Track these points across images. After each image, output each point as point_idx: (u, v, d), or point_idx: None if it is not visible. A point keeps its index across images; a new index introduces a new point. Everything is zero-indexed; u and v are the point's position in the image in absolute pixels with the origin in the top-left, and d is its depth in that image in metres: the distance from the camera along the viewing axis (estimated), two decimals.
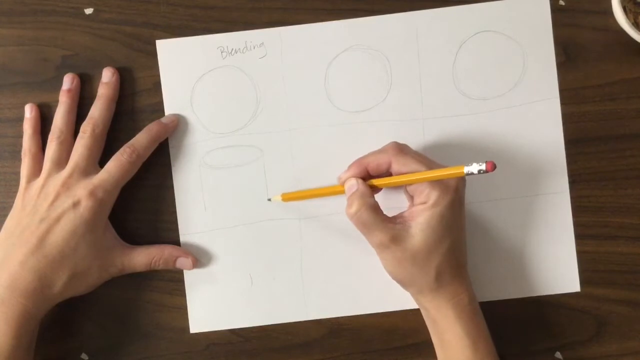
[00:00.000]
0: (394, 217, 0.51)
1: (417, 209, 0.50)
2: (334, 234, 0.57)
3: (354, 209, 0.50)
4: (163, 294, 0.57)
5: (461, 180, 0.51)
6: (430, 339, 0.55)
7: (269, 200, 0.56)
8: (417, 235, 0.50)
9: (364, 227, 0.51)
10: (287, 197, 0.55)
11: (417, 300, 0.54)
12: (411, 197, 0.53)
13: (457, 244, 0.51)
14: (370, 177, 0.52)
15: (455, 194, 0.50)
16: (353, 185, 0.52)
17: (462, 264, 0.52)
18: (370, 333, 0.57)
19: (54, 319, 0.56)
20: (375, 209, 0.51)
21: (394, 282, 0.54)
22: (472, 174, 0.46)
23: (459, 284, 0.51)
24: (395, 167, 0.51)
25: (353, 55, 0.56)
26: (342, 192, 0.53)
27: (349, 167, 0.53)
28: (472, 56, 0.56)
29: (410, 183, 0.50)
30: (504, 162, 0.56)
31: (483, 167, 0.45)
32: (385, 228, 0.50)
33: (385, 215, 0.51)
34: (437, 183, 0.50)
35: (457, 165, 0.47)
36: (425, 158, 0.51)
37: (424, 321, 0.56)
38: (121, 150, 0.54)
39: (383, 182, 0.51)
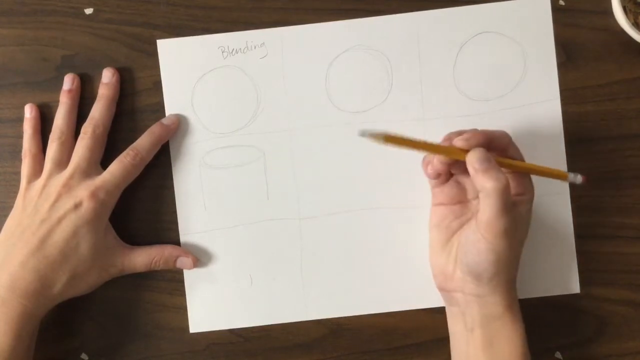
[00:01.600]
0: None
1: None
2: (334, 234, 0.57)
3: (500, 184, 0.47)
4: (163, 294, 0.57)
5: None
6: (430, 339, 0.55)
7: (363, 134, 0.46)
8: (523, 218, 0.50)
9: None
10: (390, 139, 0.47)
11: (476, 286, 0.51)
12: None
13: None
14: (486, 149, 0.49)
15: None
16: (489, 159, 0.47)
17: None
18: (370, 333, 0.57)
19: (54, 319, 0.56)
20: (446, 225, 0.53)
21: (394, 282, 0.54)
22: (572, 182, 0.50)
23: (512, 286, 0.51)
24: (511, 152, 0.51)
25: (354, 55, 0.56)
26: (457, 155, 0.49)
27: (469, 132, 0.49)
28: (473, 57, 0.56)
29: (528, 172, 0.51)
30: None
31: (579, 179, 0.49)
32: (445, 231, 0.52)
33: None
34: (524, 186, 0.51)
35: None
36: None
37: (424, 321, 0.56)
38: (124, 152, 0.54)
39: (510, 163, 0.50)
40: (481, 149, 0.48)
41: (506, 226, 0.47)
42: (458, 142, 0.49)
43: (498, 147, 0.50)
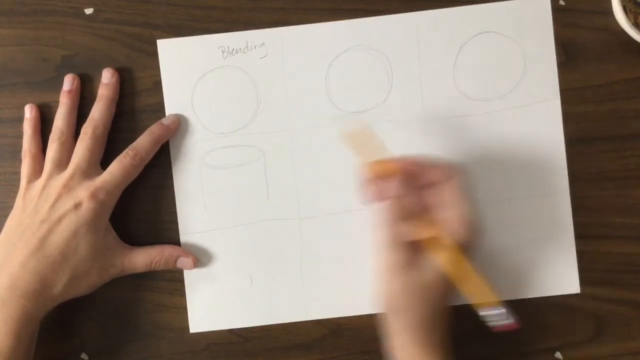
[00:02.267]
0: (417, 244, 0.49)
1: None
2: (334, 234, 0.57)
3: (384, 228, 0.49)
4: (163, 294, 0.57)
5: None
6: None
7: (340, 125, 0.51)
8: (436, 267, 0.49)
9: (388, 242, 0.50)
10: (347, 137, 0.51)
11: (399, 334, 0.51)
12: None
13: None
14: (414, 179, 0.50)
15: (478, 239, 0.49)
16: (389, 190, 0.49)
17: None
18: (370, 333, 0.57)
19: (54, 319, 0.56)
20: (400, 234, 0.49)
21: None
22: (492, 317, 0.45)
23: (448, 330, 0.50)
24: (447, 188, 0.48)
25: (354, 55, 0.56)
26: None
27: (410, 157, 0.49)
28: (473, 57, 0.56)
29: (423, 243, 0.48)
30: (504, 162, 0.56)
31: (510, 321, 0.44)
32: (406, 251, 0.49)
33: (409, 240, 0.50)
34: (469, 224, 0.48)
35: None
36: (470, 201, 0.48)
37: None
38: (124, 152, 0.54)
39: (416, 220, 0.49)
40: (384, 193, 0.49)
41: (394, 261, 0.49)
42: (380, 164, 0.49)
43: (424, 180, 0.49)
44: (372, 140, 0.50)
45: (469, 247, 0.49)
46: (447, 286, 0.49)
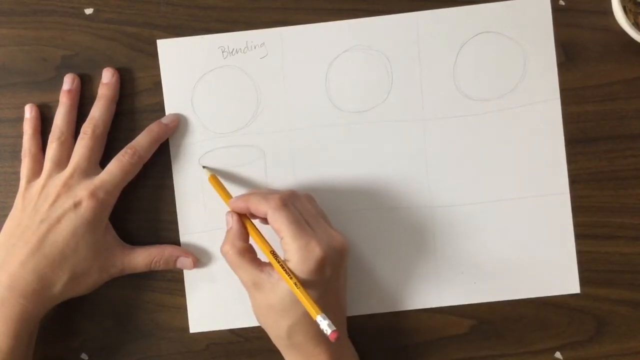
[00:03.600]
0: (265, 264, 0.51)
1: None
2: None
3: (225, 247, 0.52)
4: (163, 294, 0.57)
5: (331, 258, 0.50)
6: (430, 339, 0.55)
7: (203, 167, 0.56)
8: (276, 289, 0.49)
9: (231, 266, 0.52)
10: (214, 183, 0.55)
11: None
12: None
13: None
14: (252, 214, 0.52)
15: (318, 266, 0.49)
16: (229, 221, 0.52)
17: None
18: (371, 333, 0.57)
19: (54, 319, 0.56)
20: (243, 251, 0.51)
21: (394, 283, 0.54)
22: (318, 324, 0.47)
23: (315, 346, 0.50)
24: (269, 221, 0.50)
25: (354, 55, 0.56)
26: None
27: (242, 196, 0.52)
28: (473, 57, 0.56)
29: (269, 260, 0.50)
30: (504, 162, 0.56)
31: (328, 331, 0.46)
32: (249, 272, 0.50)
33: (255, 259, 0.51)
34: (298, 249, 0.49)
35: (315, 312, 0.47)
36: (297, 227, 0.49)
37: (424, 321, 0.56)
38: (122, 151, 0.54)
39: (252, 235, 0.52)
40: (228, 215, 0.52)
41: (244, 282, 0.52)
42: (230, 204, 0.53)
43: (258, 214, 0.51)
44: (220, 184, 0.55)
45: (307, 270, 0.49)
46: (296, 304, 0.49)
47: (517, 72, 0.56)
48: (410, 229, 0.56)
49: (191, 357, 0.57)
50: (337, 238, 0.51)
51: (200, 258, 0.57)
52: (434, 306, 0.57)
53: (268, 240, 0.51)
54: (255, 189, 0.56)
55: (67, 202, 0.52)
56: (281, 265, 0.49)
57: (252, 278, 0.50)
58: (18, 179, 0.55)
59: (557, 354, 0.57)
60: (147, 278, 0.57)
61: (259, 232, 0.52)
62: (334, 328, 0.46)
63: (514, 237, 0.56)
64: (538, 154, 0.56)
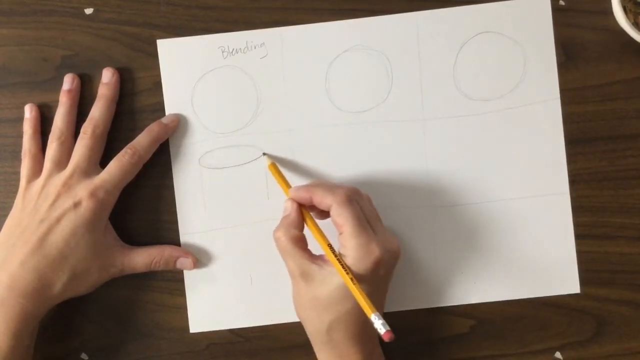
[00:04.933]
0: (316, 256, 0.51)
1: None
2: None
3: (278, 233, 0.51)
4: (163, 294, 0.57)
5: (387, 260, 0.50)
6: (430, 339, 0.55)
7: (264, 154, 0.56)
8: (326, 282, 0.49)
9: (282, 253, 0.51)
10: (274, 171, 0.55)
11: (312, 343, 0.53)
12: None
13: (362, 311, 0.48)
14: (313, 206, 0.52)
15: (374, 266, 0.49)
16: (287, 208, 0.52)
17: (366, 331, 0.51)
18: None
19: (54, 319, 0.56)
20: (297, 240, 0.51)
21: (393, 283, 0.54)
22: (373, 324, 0.46)
23: (351, 345, 0.50)
24: (332, 215, 0.50)
25: (354, 55, 0.56)
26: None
27: (306, 186, 0.52)
28: (473, 57, 0.56)
29: (327, 255, 0.50)
30: (505, 162, 0.56)
31: (383, 330, 0.46)
32: (299, 262, 0.50)
33: (307, 249, 0.51)
34: (358, 247, 0.49)
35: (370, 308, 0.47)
36: (360, 224, 0.49)
37: (424, 321, 0.56)
38: (122, 151, 0.54)
39: (310, 226, 0.51)
40: (287, 202, 0.52)
41: (292, 271, 0.51)
42: (289, 192, 0.52)
43: (321, 206, 0.51)
44: (279, 172, 0.55)
45: (363, 268, 0.49)
46: (343, 300, 0.49)
47: (517, 72, 0.56)
48: (410, 229, 0.56)
49: (191, 357, 0.57)
50: (393, 241, 0.51)
51: (200, 258, 0.57)
52: (434, 306, 0.57)
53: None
54: (318, 180, 0.56)
55: (67, 202, 0.52)
56: (338, 259, 0.49)
57: (302, 268, 0.50)
58: (18, 179, 0.55)
59: (557, 354, 0.57)
60: (147, 278, 0.57)
61: (317, 224, 0.51)
62: (388, 328, 0.46)
63: (514, 237, 0.56)
64: (538, 154, 0.56)
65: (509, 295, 0.56)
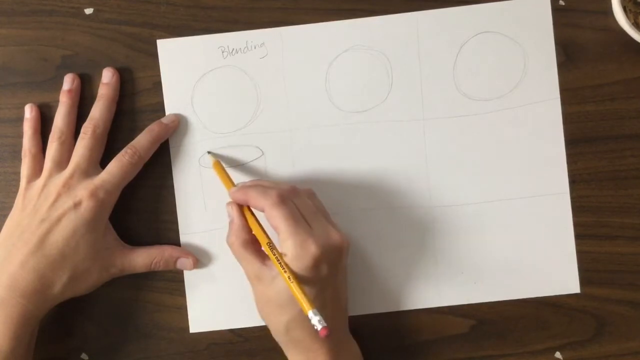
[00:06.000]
0: (268, 257, 0.50)
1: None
2: None
3: (230, 239, 0.52)
4: (163, 294, 0.57)
5: (327, 256, 0.49)
6: (430, 339, 0.55)
7: (208, 152, 0.56)
8: (275, 282, 0.49)
9: (236, 257, 0.52)
10: (218, 169, 0.55)
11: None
12: None
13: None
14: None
15: (313, 263, 0.48)
16: (229, 214, 0.52)
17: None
18: (371, 333, 0.57)
19: (54, 319, 0.56)
20: (247, 244, 0.51)
21: (394, 283, 0.54)
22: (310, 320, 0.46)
23: (313, 342, 0.50)
24: (266, 218, 0.50)
25: (354, 55, 0.56)
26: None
27: (242, 188, 0.52)
28: (473, 57, 0.56)
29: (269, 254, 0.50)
30: (505, 162, 0.56)
31: (319, 327, 0.46)
32: (252, 264, 0.51)
33: (259, 251, 0.51)
34: (294, 246, 0.48)
35: (307, 307, 0.47)
36: (294, 223, 0.49)
37: (424, 321, 0.56)
38: (123, 151, 0.54)
39: (251, 225, 0.52)
40: (229, 207, 0.53)
41: (247, 273, 0.52)
42: (229, 193, 0.53)
43: (257, 208, 0.51)
44: (224, 171, 0.55)
45: (303, 267, 0.48)
46: (294, 299, 0.48)
47: (517, 72, 0.56)
48: (410, 229, 0.56)
49: (191, 357, 0.57)
50: (334, 236, 0.50)
51: (200, 258, 0.57)
52: (434, 306, 0.57)
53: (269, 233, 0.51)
54: (258, 180, 0.56)
55: (67, 202, 0.52)
56: (277, 258, 0.49)
57: (255, 271, 0.50)
58: (18, 179, 0.55)
59: (557, 354, 0.57)
60: (147, 278, 0.57)
61: (259, 223, 0.52)
62: (325, 324, 0.46)
63: (514, 237, 0.56)
64: (538, 154, 0.56)
65: (509, 295, 0.56)
